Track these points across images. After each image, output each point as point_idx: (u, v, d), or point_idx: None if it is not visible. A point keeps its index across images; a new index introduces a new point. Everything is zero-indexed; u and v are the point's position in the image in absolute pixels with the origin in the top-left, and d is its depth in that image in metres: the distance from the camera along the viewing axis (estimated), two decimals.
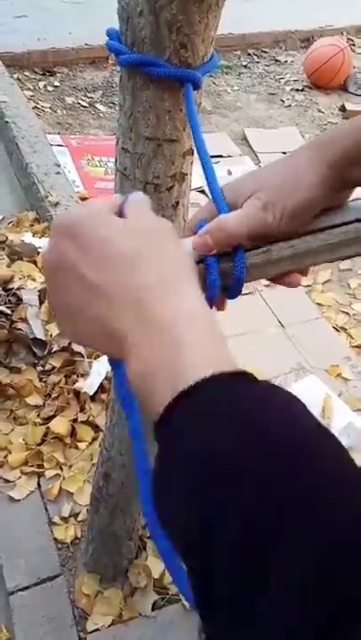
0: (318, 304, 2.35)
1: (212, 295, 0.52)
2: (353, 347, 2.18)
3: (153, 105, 0.75)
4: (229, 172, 3.16)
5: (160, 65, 0.69)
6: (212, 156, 3.34)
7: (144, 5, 0.65)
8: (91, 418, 1.75)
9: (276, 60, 4.73)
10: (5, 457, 1.68)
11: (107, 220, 0.41)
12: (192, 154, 0.83)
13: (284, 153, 3.42)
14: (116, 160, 0.85)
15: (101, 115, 3.57)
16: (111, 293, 0.38)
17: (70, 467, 1.67)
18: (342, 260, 0.60)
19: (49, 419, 1.75)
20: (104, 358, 1.87)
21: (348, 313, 2.33)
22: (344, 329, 2.25)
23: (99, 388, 1.80)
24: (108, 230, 0.40)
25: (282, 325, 2.20)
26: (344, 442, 1.77)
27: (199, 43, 0.69)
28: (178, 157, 0.81)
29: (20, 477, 1.64)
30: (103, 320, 0.39)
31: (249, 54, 4.75)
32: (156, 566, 1.50)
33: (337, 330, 2.24)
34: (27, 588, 1.46)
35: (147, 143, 0.79)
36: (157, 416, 0.34)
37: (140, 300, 0.37)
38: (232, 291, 0.55)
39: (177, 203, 0.86)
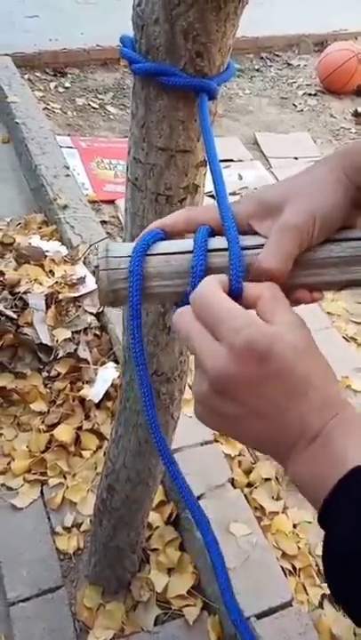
0: (328, 313, 2.31)
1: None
2: None
3: (167, 115, 0.72)
4: (240, 177, 3.14)
5: (175, 74, 0.66)
6: (223, 160, 3.32)
7: (160, 13, 0.63)
8: (95, 426, 1.73)
9: (289, 64, 4.70)
10: (8, 464, 1.65)
11: (290, 344, 0.43)
12: (205, 165, 0.81)
13: (296, 158, 3.43)
14: (127, 170, 0.83)
15: (112, 117, 3.55)
16: (288, 412, 0.43)
17: (74, 475, 1.65)
18: (353, 286, 0.54)
19: (53, 426, 1.72)
20: (110, 365, 1.84)
21: (358, 323, 2.30)
22: (354, 339, 2.22)
23: (104, 395, 1.77)
24: (294, 356, 0.43)
25: None
26: None
27: (216, 52, 0.66)
28: (191, 169, 0.79)
29: (22, 485, 1.62)
30: (271, 431, 0.44)
31: (262, 58, 4.73)
32: (159, 580, 1.48)
33: (347, 340, 2.21)
34: (28, 599, 1.43)
35: (159, 154, 0.76)
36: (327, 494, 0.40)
37: (307, 420, 0.43)
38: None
39: None
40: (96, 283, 0.55)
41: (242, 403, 0.44)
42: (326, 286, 0.54)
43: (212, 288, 0.47)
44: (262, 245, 0.51)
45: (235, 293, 0.49)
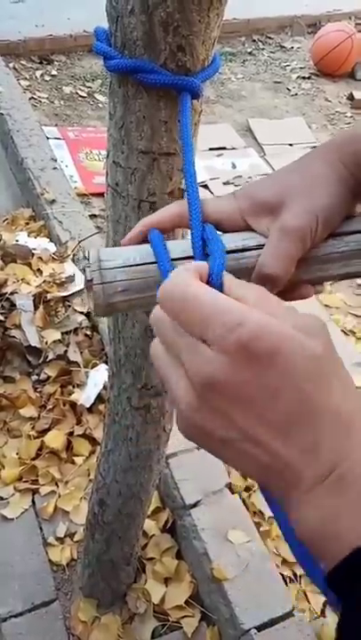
0: (326, 306, 2.25)
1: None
2: None
3: (147, 115, 0.66)
4: (233, 166, 3.06)
5: (154, 71, 0.60)
6: (216, 148, 3.23)
7: (135, 3, 0.56)
8: (88, 431, 1.67)
9: (282, 47, 4.59)
10: None
11: (304, 346, 0.33)
12: None
13: (291, 145, 3.34)
14: (106, 175, 0.76)
15: (100, 105, 3.45)
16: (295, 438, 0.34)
17: (66, 483, 1.60)
18: (352, 277, 0.53)
19: (44, 432, 1.67)
20: (101, 367, 1.78)
21: (357, 315, 2.24)
22: (353, 332, 2.16)
23: (96, 398, 1.71)
24: (309, 363, 0.33)
25: None
26: None
27: (199, 45, 0.60)
28: (176, 172, 0.72)
29: (13, 494, 1.57)
30: (271, 461, 0.34)
31: (254, 40, 4.61)
32: (155, 590, 1.43)
33: (346, 333, 2.15)
34: (20, 614, 1.39)
35: (141, 157, 0.70)
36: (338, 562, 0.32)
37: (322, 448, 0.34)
38: None
39: None
40: (88, 296, 0.50)
41: (236, 422, 0.34)
42: (327, 279, 0.52)
43: (186, 278, 0.37)
44: (262, 246, 0.49)
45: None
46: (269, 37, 4.69)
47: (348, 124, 3.68)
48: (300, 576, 1.46)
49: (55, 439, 1.64)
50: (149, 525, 1.52)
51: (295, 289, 0.50)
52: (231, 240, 0.50)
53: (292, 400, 0.33)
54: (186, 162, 0.58)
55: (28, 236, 2.17)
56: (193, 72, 0.62)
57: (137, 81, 0.61)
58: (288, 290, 0.50)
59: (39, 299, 1.87)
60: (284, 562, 1.47)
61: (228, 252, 0.49)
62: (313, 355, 0.33)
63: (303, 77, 4.19)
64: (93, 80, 3.68)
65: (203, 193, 2.83)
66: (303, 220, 0.47)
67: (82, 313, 1.89)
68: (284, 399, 0.33)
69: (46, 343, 1.80)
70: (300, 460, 0.34)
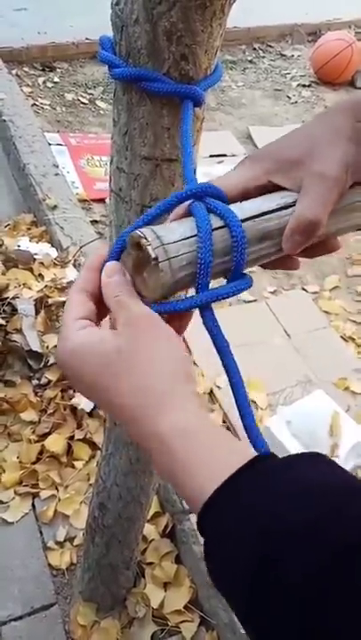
0: (326, 312, 2.26)
1: None
2: None
3: (150, 122, 0.67)
4: None
5: (158, 79, 0.61)
6: (216, 155, 3.25)
7: (140, 12, 0.57)
8: (88, 435, 1.68)
9: (283, 55, 4.62)
10: None
11: (92, 357, 0.47)
12: (194, 173, 0.75)
13: None
14: (110, 180, 0.77)
15: (102, 112, 3.47)
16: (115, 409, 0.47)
17: (66, 487, 1.60)
18: None
19: (44, 436, 1.67)
20: None
21: (356, 322, 2.25)
22: (352, 339, 2.17)
23: None
24: (97, 368, 0.46)
25: (288, 335, 2.12)
26: (353, 462, 1.67)
27: (202, 54, 0.61)
28: (178, 178, 0.73)
29: (13, 498, 1.57)
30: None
31: (254, 49, 4.65)
32: (155, 595, 1.43)
33: (345, 340, 2.16)
34: (20, 617, 1.39)
35: (144, 163, 0.71)
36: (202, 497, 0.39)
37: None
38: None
39: None
40: (153, 276, 0.50)
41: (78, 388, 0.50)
42: (352, 229, 0.55)
43: (73, 290, 0.53)
44: None
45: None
46: (270, 46, 4.73)
47: None
48: None
49: (55, 443, 1.65)
50: (149, 530, 1.52)
51: (323, 243, 0.53)
52: (270, 199, 0.52)
53: (90, 392, 0.48)
54: (185, 168, 0.60)
55: (30, 241, 2.19)
56: (195, 80, 0.63)
57: (141, 89, 0.62)
58: (317, 244, 0.52)
59: (40, 303, 1.88)
60: None
61: (270, 211, 0.51)
62: (101, 360, 0.46)
63: (303, 85, 4.22)
64: (95, 87, 3.71)
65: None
66: (339, 169, 0.49)
67: None
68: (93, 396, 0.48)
69: (47, 348, 1.80)
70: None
